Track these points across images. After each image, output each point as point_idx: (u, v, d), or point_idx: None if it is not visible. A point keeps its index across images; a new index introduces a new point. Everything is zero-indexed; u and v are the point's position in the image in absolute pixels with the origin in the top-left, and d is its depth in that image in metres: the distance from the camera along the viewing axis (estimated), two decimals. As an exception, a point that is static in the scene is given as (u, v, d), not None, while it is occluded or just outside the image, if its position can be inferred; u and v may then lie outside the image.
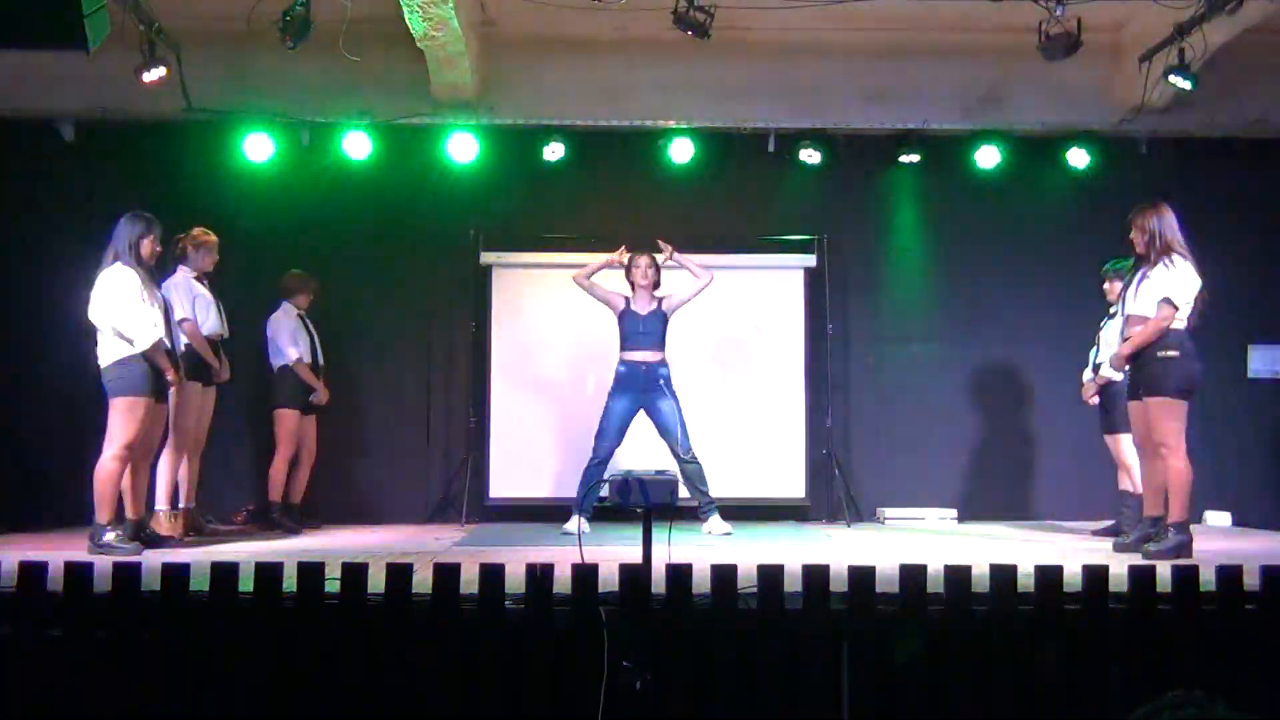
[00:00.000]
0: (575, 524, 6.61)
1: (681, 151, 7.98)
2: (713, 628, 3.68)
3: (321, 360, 7.38)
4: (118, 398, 5.62)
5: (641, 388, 6.96)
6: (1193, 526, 5.47)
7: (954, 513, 7.97)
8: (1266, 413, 8.17)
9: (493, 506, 8.05)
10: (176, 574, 3.73)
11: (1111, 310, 6.89)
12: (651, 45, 7.50)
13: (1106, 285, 6.91)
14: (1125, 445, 6.63)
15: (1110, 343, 6.76)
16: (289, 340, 7.15)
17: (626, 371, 7.00)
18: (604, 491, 4.00)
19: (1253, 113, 7.80)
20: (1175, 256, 5.44)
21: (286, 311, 7.25)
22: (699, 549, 5.65)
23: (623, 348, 7.05)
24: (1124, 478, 6.86)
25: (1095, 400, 7.04)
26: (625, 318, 7.05)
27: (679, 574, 3.71)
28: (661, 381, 6.96)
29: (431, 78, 7.43)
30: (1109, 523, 6.90)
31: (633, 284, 7.10)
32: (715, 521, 6.89)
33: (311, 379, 7.21)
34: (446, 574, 3.71)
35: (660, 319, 7.05)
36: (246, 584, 3.72)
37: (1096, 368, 6.97)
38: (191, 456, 6.57)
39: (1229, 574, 3.81)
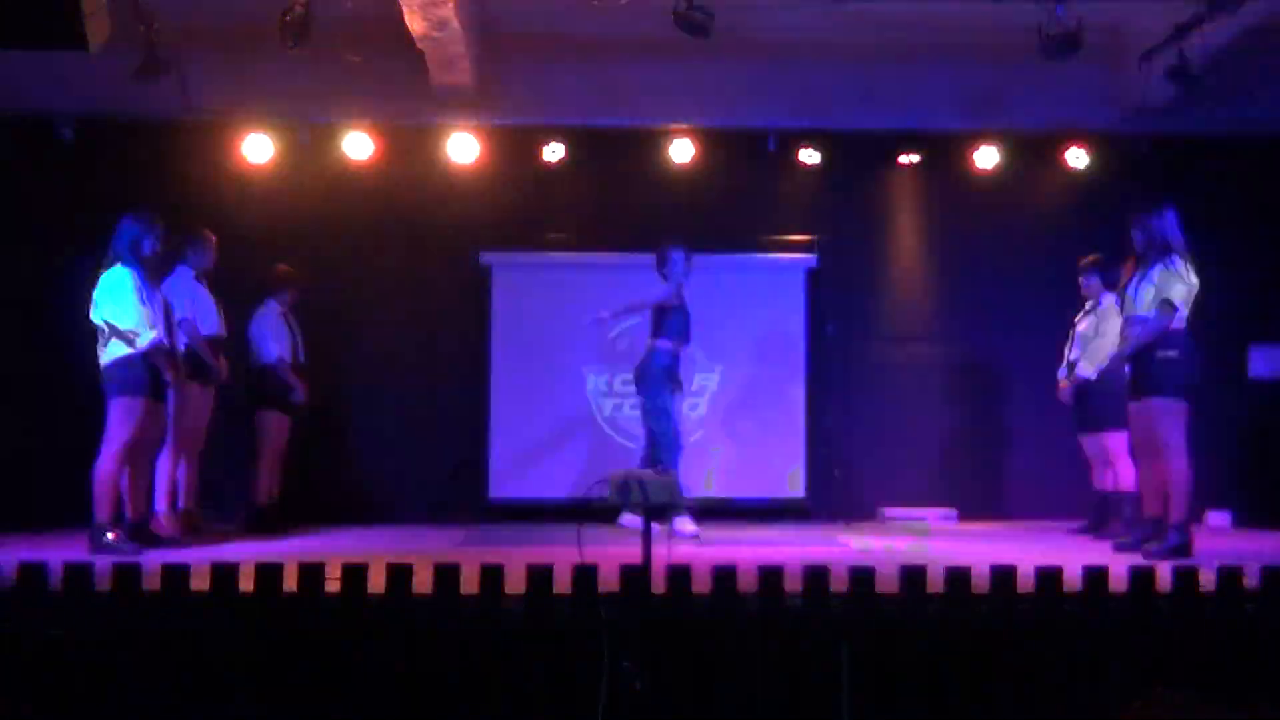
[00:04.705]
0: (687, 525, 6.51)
1: (681, 151, 7.98)
2: (713, 628, 3.68)
3: (303, 358, 7.24)
4: (117, 398, 5.63)
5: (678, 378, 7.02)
6: (1193, 526, 5.48)
7: (954, 512, 7.97)
8: (1266, 413, 8.15)
9: (493, 506, 8.05)
10: (176, 574, 3.73)
11: (1087, 305, 6.93)
12: (651, 45, 7.47)
13: (1082, 280, 6.98)
14: (1113, 443, 6.62)
15: (1087, 338, 6.79)
16: (272, 339, 7.03)
17: (674, 363, 6.95)
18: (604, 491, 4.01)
19: (1253, 113, 7.80)
20: (1175, 257, 5.46)
21: (270, 309, 7.11)
22: (699, 549, 5.64)
23: (675, 339, 6.92)
24: (1106, 475, 6.83)
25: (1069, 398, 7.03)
26: (677, 311, 6.92)
27: (679, 574, 3.71)
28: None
29: (432, 78, 7.43)
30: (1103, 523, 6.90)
31: (680, 278, 6.99)
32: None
33: (291, 379, 7.07)
34: (446, 574, 3.72)
35: None
36: (246, 584, 3.72)
37: (1072, 365, 6.97)
38: (191, 456, 6.56)
39: (1229, 574, 3.81)
